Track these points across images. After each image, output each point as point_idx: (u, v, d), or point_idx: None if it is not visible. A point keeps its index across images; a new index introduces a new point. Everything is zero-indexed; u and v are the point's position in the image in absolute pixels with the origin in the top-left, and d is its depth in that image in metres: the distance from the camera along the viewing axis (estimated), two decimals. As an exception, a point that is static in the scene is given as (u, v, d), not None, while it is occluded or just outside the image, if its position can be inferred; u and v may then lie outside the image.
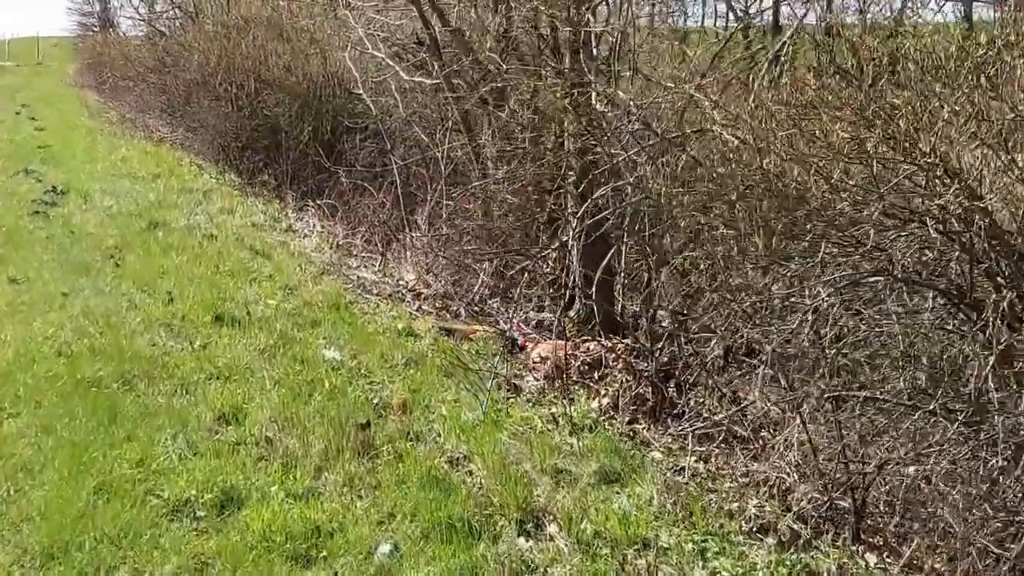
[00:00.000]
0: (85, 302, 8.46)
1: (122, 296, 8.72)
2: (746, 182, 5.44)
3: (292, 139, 14.27)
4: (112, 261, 9.87)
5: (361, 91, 12.66)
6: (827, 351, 5.79)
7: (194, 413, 6.34)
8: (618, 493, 5.72)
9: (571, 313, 9.68)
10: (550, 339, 8.81)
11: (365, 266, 11.29)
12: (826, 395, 5.63)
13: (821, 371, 5.94)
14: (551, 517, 5.33)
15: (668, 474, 6.23)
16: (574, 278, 7.84)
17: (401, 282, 10.52)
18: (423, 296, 10.13)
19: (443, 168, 11.30)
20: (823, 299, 5.24)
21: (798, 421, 6.14)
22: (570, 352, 8.03)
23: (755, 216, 5.39)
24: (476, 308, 9.89)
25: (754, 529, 5.73)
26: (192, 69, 16.32)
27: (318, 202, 13.14)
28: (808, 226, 5.14)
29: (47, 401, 6.40)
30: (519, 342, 8.58)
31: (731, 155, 5.69)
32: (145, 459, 5.67)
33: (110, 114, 20.85)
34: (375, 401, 6.85)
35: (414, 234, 11.31)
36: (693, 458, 6.57)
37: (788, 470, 6.23)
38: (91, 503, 5.20)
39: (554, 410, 7.04)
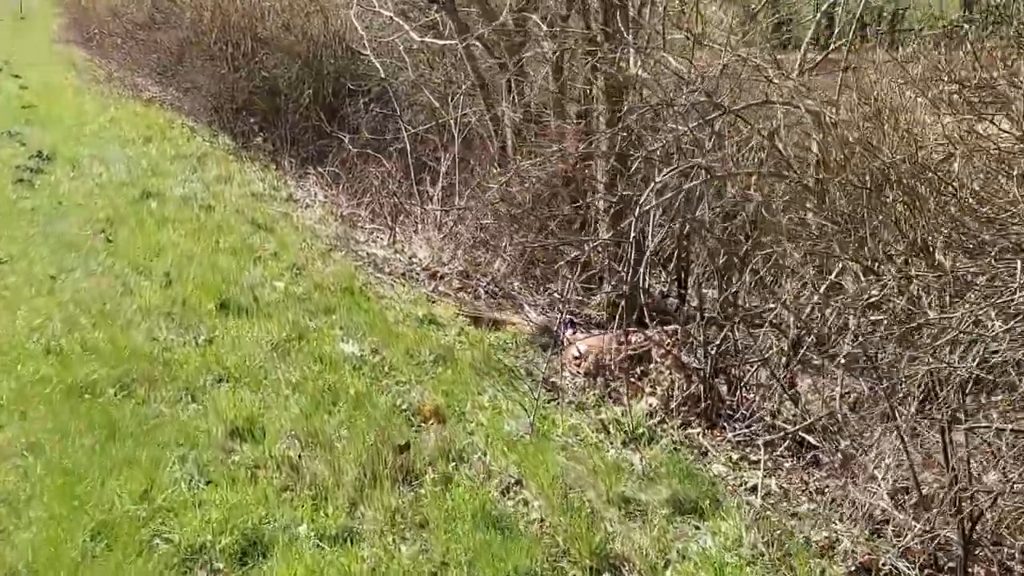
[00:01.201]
0: (75, 286, 7.51)
1: (116, 279, 7.76)
2: (883, 174, 4.49)
3: (291, 102, 13.22)
4: (104, 236, 8.86)
5: (368, 51, 11.63)
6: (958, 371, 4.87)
7: (203, 427, 5.40)
8: (698, 528, 4.85)
9: (597, 298, 8.79)
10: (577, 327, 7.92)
11: (373, 240, 10.34)
12: (947, 417, 4.70)
13: (946, 391, 5.03)
14: (629, 566, 4.42)
15: (747, 498, 5.32)
16: (625, 262, 6.86)
17: (414, 259, 9.56)
18: (439, 275, 9.16)
19: (456, 136, 10.31)
20: (997, 329, 4.28)
21: (894, 437, 5.25)
22: (616, 344, 7.11)
23: (887, 216, 4.45)
24: (497, 290, 8.93)
25: (852, 569, 4.85)
26: (184, 27, 15.21)
27: (319, 169, 12.15)
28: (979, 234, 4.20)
29: (34, 412, 5.47)
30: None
31: (849, 140, 4.73)
32: (150, 490, 4.75)
33: (97, 72, 19.66)
34: (403, 407, 5.95)
35: (426, 207, 10.32)
36: (765, 475, 5.65)
37: (881, 494, 5.33)
38: (88, 551, 4.27)
39: (603, 416, 6.13)
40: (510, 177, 9.34)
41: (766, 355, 6.48)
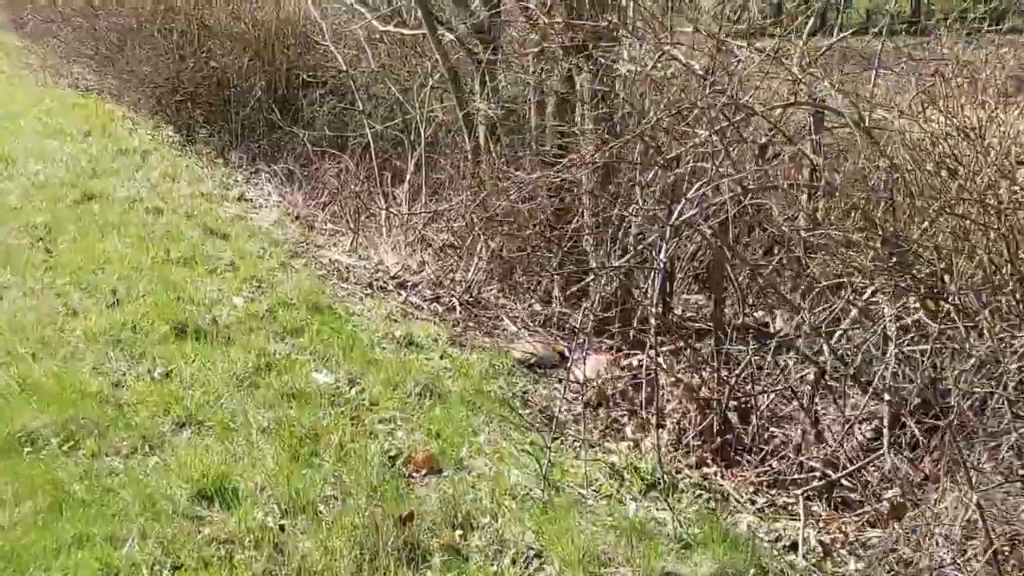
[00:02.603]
0: (12, 307, 6.58)
1: (57, 298, 6.84)
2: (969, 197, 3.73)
3: (242, 94, 12.26)
4: (42, 246, 7.91)
5: (327, 41, 10.72)
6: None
7: (165, 488, 4.55)
8: (752, 611, 4.05)
9: (584, 306, 8.01)
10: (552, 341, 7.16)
11: (334, 244, 9.47)
12: None
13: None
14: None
15: (788, 558, 4.58)
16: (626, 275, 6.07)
17: (380, 267, 8.71)
18: (409, 285, 8.32)
19: (423, 133, 9.45)
20: None
21: (966, 492, 4.52)
22: (617, 368, 6.35)
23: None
24: (473, 300, 8.13)
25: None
26: (125, 13, 14.13)
27: (273, 166, 11.22)
28: None
29: (-37, 474, 4.55)
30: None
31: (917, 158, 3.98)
32: (106, 580, 3.86)
33: (31, 60, 18.49)
34: (391, 452, 5.11)
35: (392, 209, 9.47)
36: (804, 526, 4.92)
37: (940, 552, 4.61)
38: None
39: (615, 459, 5.34)
40: (485, 180, 8.54)
41: (792, 384, 5.73)
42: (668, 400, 6.24)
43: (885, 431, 5.07)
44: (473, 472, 5.03)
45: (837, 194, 4.82)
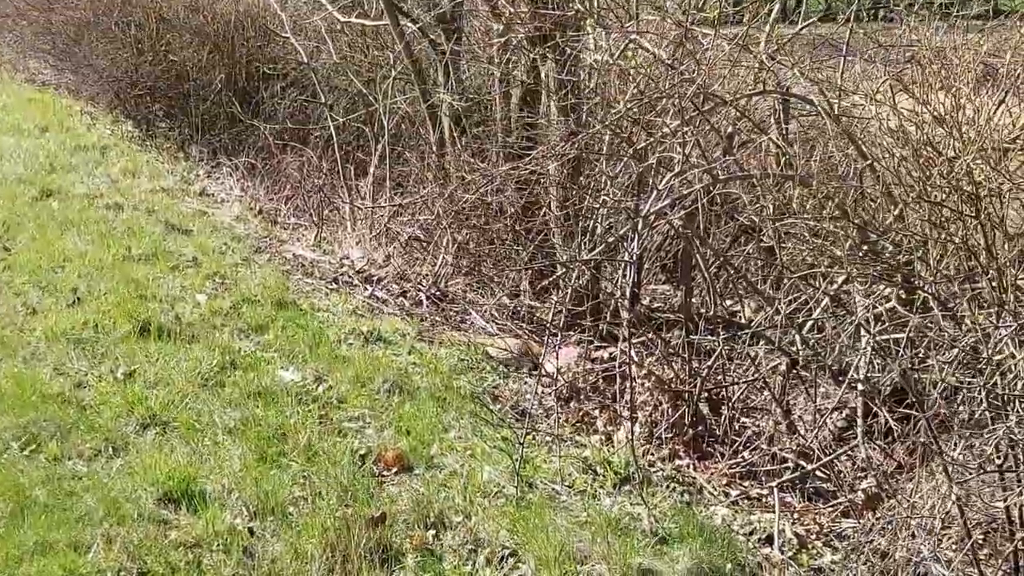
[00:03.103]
0: (-31, 308, 6.40)
1: (15, 297, 6.69)
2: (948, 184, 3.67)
3: (202, 87, 12.06)
4: (0, 244, 7.74)
5: (287, 33, 10.56)
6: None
7: (131, 492, 4.43)
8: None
9: (553, 298, 7.93)
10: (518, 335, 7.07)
11: (298, 239, 9.32)
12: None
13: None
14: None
15: (763, 551, 4.52)
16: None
17: (345, 261, 8.58)
18: (375, 279, 8.21)
19: (387, 125, 9.33)
20: None
21: (942, 482, 4.48)
22: (587, 361, 6.28)
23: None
24: (440, 294, 8.02)
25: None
26: (82, 6, 13.87)
27: (234, 160, 11.04)
28: None
29: (-79, 479, 4.42)
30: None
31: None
32: (70, 588, 3.74)
33: (-16, 54, 18.19)
34: (361, 452, 5.02)
35: (356, 202, 9.34)
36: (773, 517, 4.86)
37: (919, 544, 4.57)
38: None
39: (587, 453, 5.27)
40: (450, 172, 8.44)
41: (764, 374, 5.67)
42: (639, 393, 6.16)
43: (859, 421, 5.02)
44: (445, 470, 4.93)
45: (808, 183, 4.74)
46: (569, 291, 5.52)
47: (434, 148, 8.72)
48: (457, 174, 8.52)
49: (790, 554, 4.67)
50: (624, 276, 4.87)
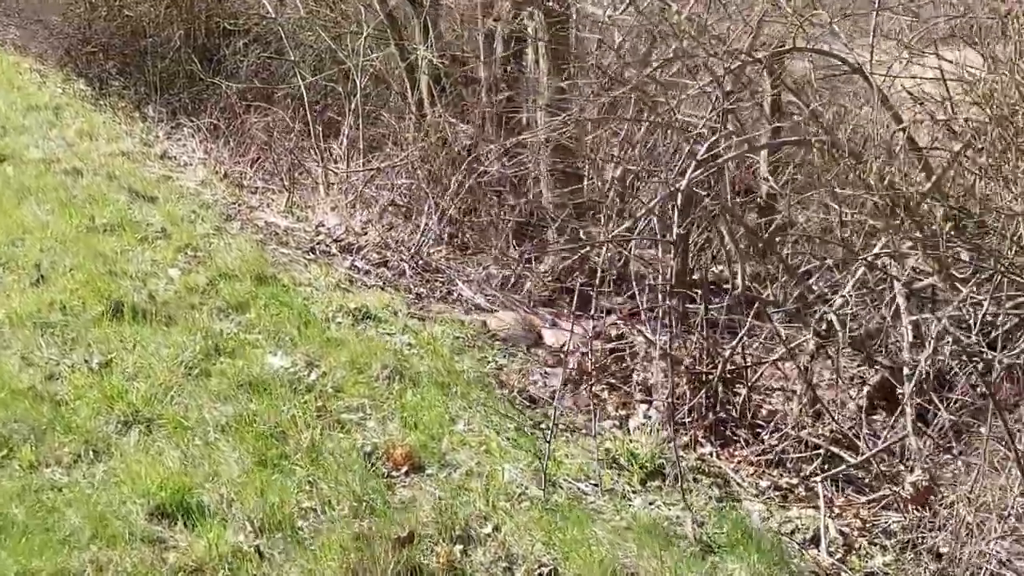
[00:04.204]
0: (-77, 288, 5.77)
1: (-27, 275, 6.05)
2: None
3: (159, 44, 11.33)
4: (-48, 216, 7.10)
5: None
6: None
7: (118, 506, 3.89)
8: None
9: (542, 267, 7.46)
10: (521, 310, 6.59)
11: (268, 204, 8.72)
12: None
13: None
14: None
15: (811, 552, 4.09)
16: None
17: (321, 229, 8.01)
18: (354, 248, 7.65)
19: (359, 84, 8.73)
20: None
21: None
22: (594, 338, 5.80)
23: None
24: (423, 264, 7.49)
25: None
26: (29, -42, 13.06)
27: (195, 121, 10.35)
28: None
29: None
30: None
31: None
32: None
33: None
34: (366, 449, 4.50)
35: (329, 166, 8.75)
36: (824, 516, 4.43)
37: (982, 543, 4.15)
38: None
39: (609, 445, 4.79)
40: (429, 131, 7.88)
41: (792, 353, 5.22)
42: (651, 373, 5.70)
43: (908, 409, 4.57)
44: (460, 468, 4.45)
45: (857, 154, 4.26)
46: (600, 269, 4.91)
47: (413, 109, 8.11)
48: (438, 136, 7.95)
49: (838, 556, 4.23)
50: (666, 254, 4.34)
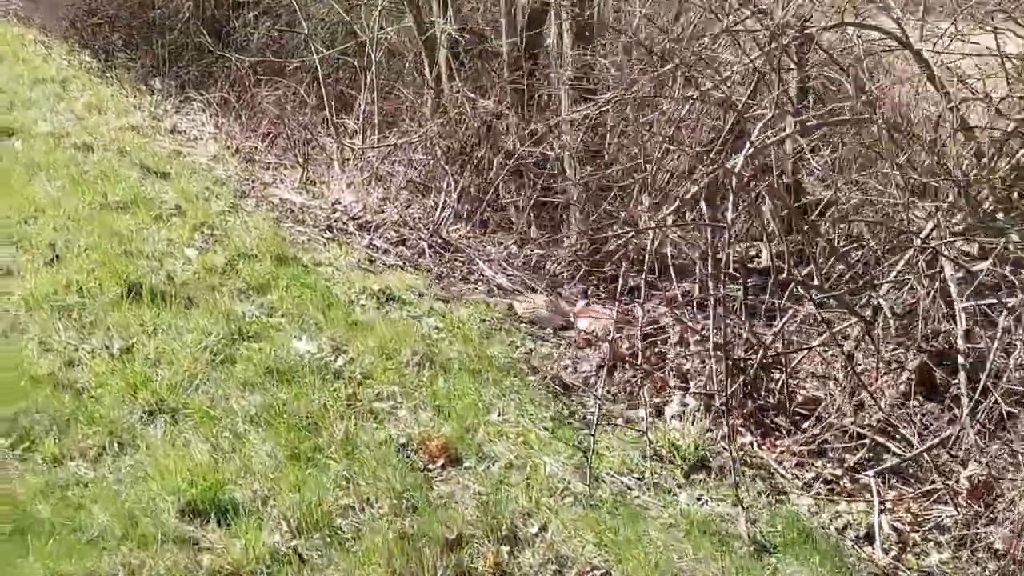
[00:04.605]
0: (-64, 269, 5.56)
1: (-14, 255, 5.83)
2: None
3: (167, 16, 11.05)
4: (-37, 192, 6.87)
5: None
6: None
7: (147, 502, 3.69)
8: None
9: (563, 249, 7.25)
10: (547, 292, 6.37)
11: (281, 180, 8.47)
12: None
13: None
14: None
15: (866, 550, 3.89)
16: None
17: (337, 206, 7.78)
18: (372, 227, 7.42)
19: (375, 58, 8.48)
20: None
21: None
22: (623, 324, 5.59)
23: None
24: (443, 243, 7.27)
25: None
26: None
27: (204, 95, 10.09)
28: None
29: None
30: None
31: None
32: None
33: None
34: (400, 440, 4.29)
35: (344, 141, 8.51)
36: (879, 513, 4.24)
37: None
38: None
39: (650, 435, 4.58)
40: (448, 107, 7.64)
41: (835, 339, 5.01)
42: (687, 359, 5.50)
43: (964, 401, 4.36)
44: (498, 461, 4.24)
45: (895, 129, 4.04)
46: (648, 254, 4.67)
47: (431, 83, 7.86)
48: (457, 111, 7.72)
49: (893, 554, 4.03)
50: (714, 239, 4.13)
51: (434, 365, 5.01)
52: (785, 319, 4.86)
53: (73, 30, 12.32)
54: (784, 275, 4.68)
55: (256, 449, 4.08)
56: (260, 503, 3.74)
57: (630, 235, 4.87)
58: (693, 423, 4.76)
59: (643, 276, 4.53)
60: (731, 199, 3.86)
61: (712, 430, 4.90)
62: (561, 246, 7.16)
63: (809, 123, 4.13)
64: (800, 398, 5.31)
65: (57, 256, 5.91)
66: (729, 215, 3.91)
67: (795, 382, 5.37)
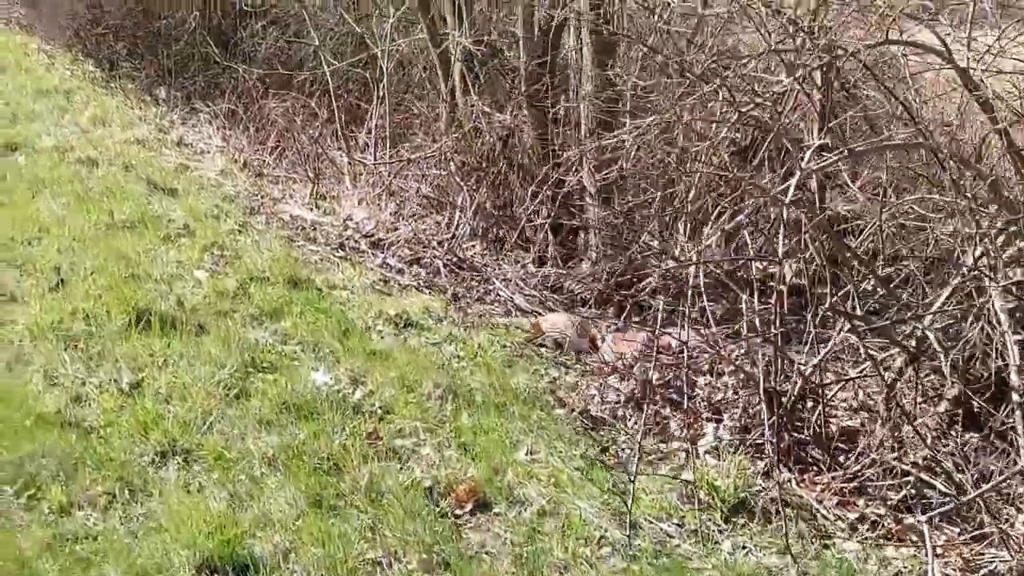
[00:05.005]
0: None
1: (-12, 279, 5.57)
2: None
3: (173, 26, 10.78)
4: (-36, 210, 6.62)
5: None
6: None
7: (161, 558, 3.42)
8: None
9: (584, 268, 7.00)
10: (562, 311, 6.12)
11: (291, 196, 8.21)
12: None
13: None
14: None
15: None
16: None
17: (349, 223, 7.52)
18: (385, 244, 7.16)
19: (386, 70, 8.22)
20: None
21: None
22: (651, 352, 5.32)
23: None
24: (458, 261, 7.01)
25: None
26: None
27: (211, 107, 9.83)
28: None
29: None
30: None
31: None
32: None
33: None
34: (426, 483, 4.02)
35: (355, 156, 8.25)
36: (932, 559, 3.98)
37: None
38: None
39: (686, 475, 4.32)
40: (463, 121, 7.38)
41: (877, 370, 4.75)
42: (717, 388, 5.25)
43: (1021, 440, 4.10)
44: (530, 507, 3.99)
45: (945, 153, 3.78)
46: (694, 284, 4.40)
47: (445, 96, 7.60)
48: (472, 126, 7.45)
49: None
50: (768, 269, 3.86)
51: (457, 398, 4.76)
52: (827, 350, 4.58)
53: (76, 39, 12.07)
54: (827, 305, 4.40)
55: (275, 495, 3.83)
56: (281, 558, 3.48)
57: (671, 267, 4.59)
58: (731, 462, 4.49)
59: (678, 305, 4.23)
60: (782, 231, 3.58)
61: (749, 467, 4.64)
62: (581, 266, 6.90)
63: (858, 149, 3.85)
64: (834, 428, 5.05)
65: (62, 280, 5.67)
66: (780, 248, 3.63)
67: (830, 411, 5.11)
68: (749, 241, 4.25)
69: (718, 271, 5.27)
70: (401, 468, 4.16)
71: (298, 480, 3.91)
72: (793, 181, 3.48)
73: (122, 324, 5.18)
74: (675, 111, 4.54)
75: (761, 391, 4.75)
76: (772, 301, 4.39)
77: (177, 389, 4.58)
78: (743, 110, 4.13)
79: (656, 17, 5.27)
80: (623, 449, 4.61)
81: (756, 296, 4.54)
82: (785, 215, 3.51)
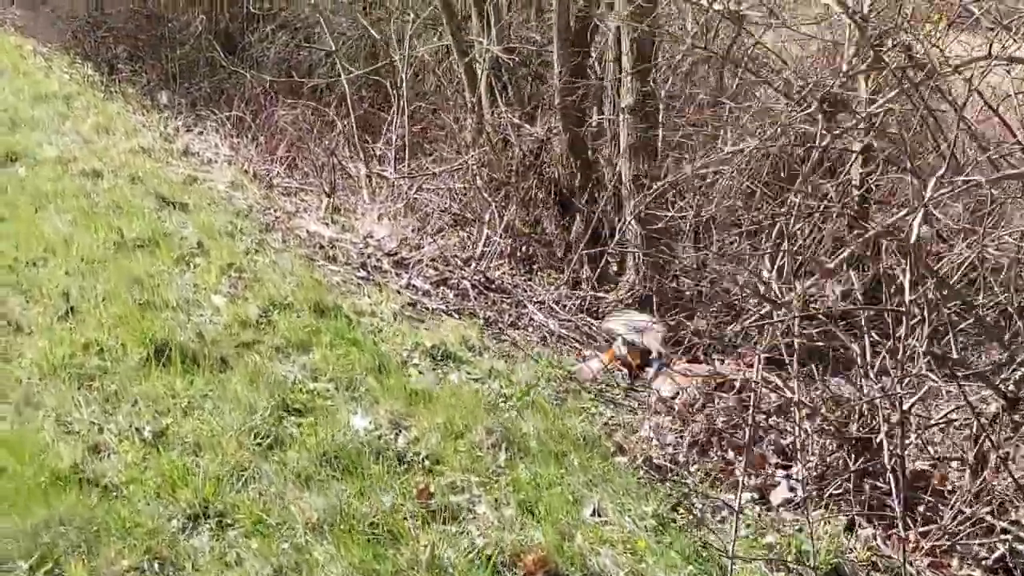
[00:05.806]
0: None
1: (-8, 308, 5.05)
2: None
3: (178, 30, 10.24)
4: (-36, 228, 6.09)
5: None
6: None
7: (202, 655, 2.89)
8: None
9: (621, 290, 6.54)
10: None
11: (305, 209, 7.70)
12: None
13: None
14: None
15: None
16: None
17: (370, 240, 7.02)
18: (409, 264, 6.67)
19: (406, 78, 7.71)
20: None
21: None
22: (712, 392, 4.87)
23: None
24: (487, 283, 6.53)
25: None
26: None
27: (218, 114, 9.30)
28: None
29: None
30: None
31: None
32: None
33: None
34: (487, 551, 3.53)
35: (374, 168, 7.74)
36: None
37: None
38: None
39: (769, 538, 3.85)
40: (491, 133, 6.89)
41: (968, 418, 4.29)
42: (795, 435, 4.78)
43: None
44: (609, 580, 3.47)
45: None
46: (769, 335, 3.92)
47: (471, 107, 7.11)
48: (500, 138, 6.96)
49: None
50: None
51: (511, 445, 4.27)
52: (918, 395, 4.11)
53: (74, 41, 11.51)
54: (923, 348, 3.92)
55: (325, 571, 3.31)
56: (339, 653, 2.97)
57: (766, 312, 4.09)
58: (818, 520, 4.01)
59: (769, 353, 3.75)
60: (908, 276, 3.09)
61: (828, 520, 4.17)
62: (619, 289, 6.43)
63: (991, 178, 3.37)
64: (909, 475, 4.57)
65: (72, 308, 5.16)
66: (907, 296, 3.14)
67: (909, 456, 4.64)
68: (855, 281, 3.75)
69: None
70: (458, 532, 3.66)
71: (349, 552, 3.42)
72: (919, 217, 2.98)
73: (139, 359, 4.68)
74: (777, 130, 4.03)
75: (844, 437, 4.28)
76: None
77: (205, 438, 4.07)
78: (854, 136, 3.64)
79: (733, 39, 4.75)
80: (696, 505, 4.13)
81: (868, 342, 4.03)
82: (914, 257, 3.01)
